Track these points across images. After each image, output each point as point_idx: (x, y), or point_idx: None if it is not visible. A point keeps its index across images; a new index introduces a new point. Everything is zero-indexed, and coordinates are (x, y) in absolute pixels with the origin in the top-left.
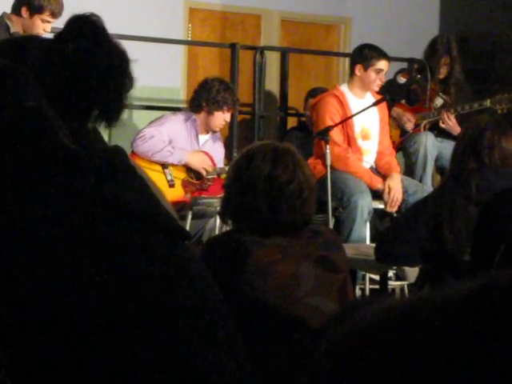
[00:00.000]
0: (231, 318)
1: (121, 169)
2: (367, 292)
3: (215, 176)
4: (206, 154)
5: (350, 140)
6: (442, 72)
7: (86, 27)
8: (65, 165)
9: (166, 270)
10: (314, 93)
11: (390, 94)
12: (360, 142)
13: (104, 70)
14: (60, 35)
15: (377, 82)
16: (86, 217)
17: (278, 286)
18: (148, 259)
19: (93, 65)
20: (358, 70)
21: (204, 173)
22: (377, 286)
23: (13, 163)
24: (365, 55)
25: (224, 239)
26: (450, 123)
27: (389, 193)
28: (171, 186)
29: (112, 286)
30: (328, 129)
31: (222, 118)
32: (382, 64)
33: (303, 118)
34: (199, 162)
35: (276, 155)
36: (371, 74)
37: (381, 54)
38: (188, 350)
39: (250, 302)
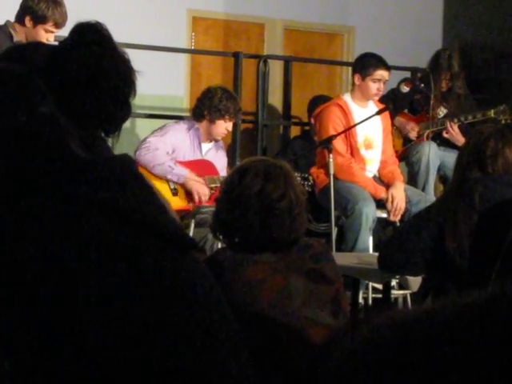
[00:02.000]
0: (237, 327)
1: (130, 179)
2: (370, 301)
3: (218, 185)
4: (209, 163)
5: (352, 149)
6: (443, 86)
7: (92, 35)
8: (74, 174)
9: (173, 279)
10: (318, 100)
11: (393, 103)
12: (363, 152)
13: (109, 77)
14: (65, 42)
15: (375, 91)
16: (93, 227)
17: (270, 302)
18: (155, 269)
19: (98, 72)
20: (357, 79)
21: (197, 198)
22: (380, 295)
23: (23, 170)
24: (363, 65)
25: (216, 258)
26: (453, 133)
27: (392, 202)
28: (174, 194)
29: (119, 295)
30: (331, 138)
31: (223, 126)
32: (380, 73)
33: (306, 127)
34: (196, 187)
35: (268, 172)
36: (369, 83)
37: (379, 64)
38: (194, 358)
39: (242, 319)
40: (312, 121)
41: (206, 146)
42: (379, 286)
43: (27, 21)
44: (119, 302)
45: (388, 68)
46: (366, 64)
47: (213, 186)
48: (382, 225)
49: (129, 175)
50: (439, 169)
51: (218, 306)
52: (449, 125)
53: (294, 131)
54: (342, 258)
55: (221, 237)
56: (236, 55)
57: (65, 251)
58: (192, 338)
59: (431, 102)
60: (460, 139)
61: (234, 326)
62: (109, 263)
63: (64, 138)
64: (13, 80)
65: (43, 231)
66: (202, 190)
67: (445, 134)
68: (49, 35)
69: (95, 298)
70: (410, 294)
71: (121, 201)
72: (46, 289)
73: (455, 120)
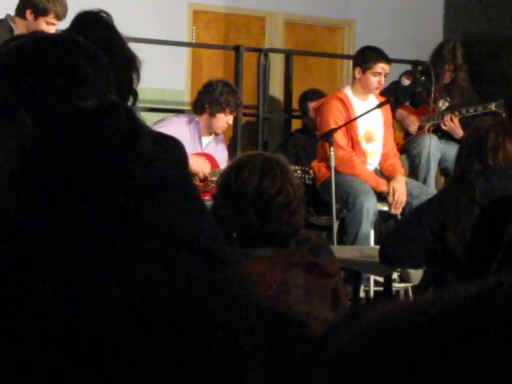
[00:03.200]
0: (264, 344)
1: (174, 185)
2: (371, 294)
3: None
4: (210, 156)
5: (353, 143)
6: (446, 78)
7: (97, 23)
8: (122, 189)
9: (208, 294)
10: (311, 95)
11: (394, 96)
12: (364, 145)
13: (116, 65)
14: (69, 30)
15: (376, 85)
16: (131, 238)
17: (269, 297)
18: (191, 282)
19: (104, 58)
20: (358, 72)
21: (201, 176)
22: (381, 288)
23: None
24: (363, 58)
25: None
26: (453, 126)
27: (393, 195)
28: None
29: (153, 306)
30: (332, 131)
31: (224, 120)
32: (380, 67)
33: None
34: (199, 166)
35: (265, 166)
36: (369, 76)
37: (379, 57)
38: (222, 372)
39: None
40: (311, 115)
41: (206, 140)
42: (380, 279)
43: (28, 14)
44: (151, 310)
45: (388, 61)
46: (367, 57)
47: (214, 179)
48: (383, 218)
49: (172, 181)
50: (440, 162)
51: (246, 320)
52: (447, 118)
53: (295, 124)
54: (344, 251)
55: None
56: (237, 49)
57: (94, 262)
58: (215, 349)
59: (432, 95)
60: (459, 132)
61: (260, 339)
62: (142, 275)
63: (136, 138)
64: (82, 54)
65: (72, 240)
66: (207, 167)
67: (443, 127)
68: (50, 28)
69: (125, 309)
70: (411, 287)
71: (154, 212)
72: (65, 302)
73: (456, 113)
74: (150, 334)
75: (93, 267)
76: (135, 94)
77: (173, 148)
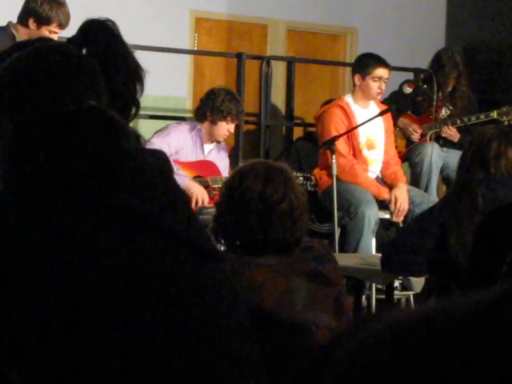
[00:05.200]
0: (256, 342)
1: (161, 184)
2: (373, 302)
3: (221, 185)
4: (212, 163)
5: (355, 150)
6: (450, 85)
7: (101, 32)
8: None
9: (193, 288)
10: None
11: (396, 105)
12: (365, 152)
13: (119, 75)
14: (74, 39)
15: (376, 90)
16: (119, 232)
17: (272, 305)
18: (169, 273)
19: (109, 69)
20: (357, 79)
21: (194, 203)
22: (383, 296)
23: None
24: (362, 65)
25: None
26: (449, 132)
27: (395, 203)
28: None
29: (140, 300)
30: (334, 139)
31: (225, 128)
32: (379, 72)
33: (310, 128)
34: (197, 192)
35: (268, 174)
36: (369, 82)
37: (378, 62)
38: (209, 369)
39: None
40: None
41: (208, 147)
42: (382, 287)
43: (31, 23)
44: (134, 310)
45: (387, 66)
46: (365, 63)
47: (215, 186)
48: (384, 226)
49: (159, 180)
50: (442, 170)
51: (235, 318)
52: (445, 129)
53: (297, 132)
54: (345, 259)
55: (222, 240)
56: (239, 56)
57: (84, 260)
58: (203, 345)
59: (434, 103)
60: (455, 135)
61: (251, 335)
62: (131, 270)
63: (117, 138)
64: (70, 60)
65: (65, 239)
66: (205, 196)
67: (442, 134)
68: (52, 36)
69: (112, 302)
70: (413, 295)
71: (146, 207)
72: (64, 300)
73: (458, 121)
74: (137, 328)
75: (80, 263)
76: (137, 104)
77: (157, 157)
